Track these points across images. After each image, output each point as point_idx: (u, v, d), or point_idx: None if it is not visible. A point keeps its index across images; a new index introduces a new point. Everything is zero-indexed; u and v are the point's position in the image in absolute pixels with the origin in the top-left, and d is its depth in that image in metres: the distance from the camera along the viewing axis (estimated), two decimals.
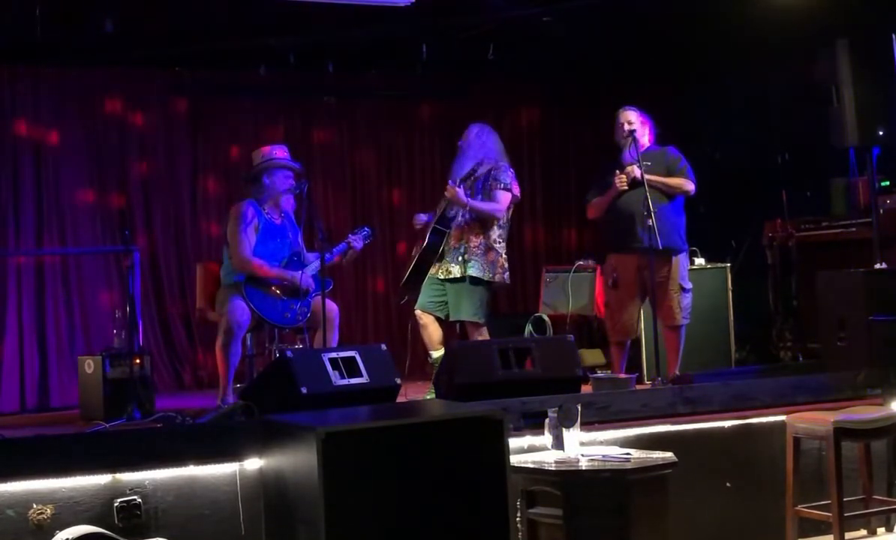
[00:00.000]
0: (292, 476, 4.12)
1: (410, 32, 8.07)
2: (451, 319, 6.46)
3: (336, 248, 6.47)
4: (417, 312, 6.51)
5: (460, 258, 6.39)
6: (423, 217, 6.61)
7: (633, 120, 6.55)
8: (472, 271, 6.36)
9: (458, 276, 6.38)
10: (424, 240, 6.43)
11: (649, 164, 6.47)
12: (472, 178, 6.45)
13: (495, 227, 6.46)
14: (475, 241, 6.41)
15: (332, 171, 9.11)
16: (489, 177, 6.48)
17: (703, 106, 9.45)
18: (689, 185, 6.55)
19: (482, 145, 6.55)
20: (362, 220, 8.51)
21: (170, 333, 8.44)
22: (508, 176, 6.50)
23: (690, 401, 5.49)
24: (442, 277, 6.42)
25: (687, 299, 6.58)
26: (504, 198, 6.46)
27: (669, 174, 6.54)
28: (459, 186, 6.33)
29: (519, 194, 6.60)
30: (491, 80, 9.37)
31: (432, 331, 6.48)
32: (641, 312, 6.83)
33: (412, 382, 6.41)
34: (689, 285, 6.61)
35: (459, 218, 6.44)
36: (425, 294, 6.49)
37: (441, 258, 6.43)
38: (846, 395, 5.79)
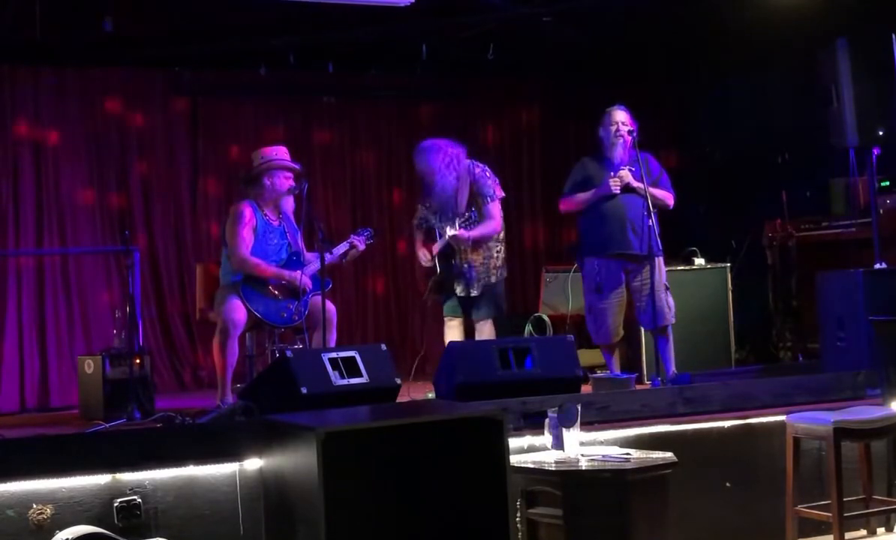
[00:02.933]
0: (292, 476, 4.12)
1: (410, 32, 8.07)
2: (475, 319, 6.52)
3: (336, 248, 6.47)
4: (446, 317, 6.60)
5: (472, 282, 6.42)
6: (426, 251, 6.59)
7: (625, 121, 6.50)
8: (481, 289, 6.44)
9: (473, 294, 6.44)
10: (436, 270, 6.49)
11: (633, 169, 6.42)
12: (463, 214, 6.39)
13: (493, 239, 6.48)
14: (478, 260, 6.44)
15: (332, 171, 9.12)
16: (472, 194, 6.46)
17: (703, 106, 9.45)
18: (671, 200, 6.56)
19: (443, 173, 6.46)
20: (362, 221, 8.52)
21: (170, 333, 8.45)
22: (489, 184, 6.48)
23: (690, 401, 5.49)
24: (461, 293, 6.49)
25: (671, 298, 6.55)
26: (496, 209, 6.46)
27: (653, 185, 6.48)
28: (459, 229, 6.32)
29: (503, 193, 6.59)
30: (491, 80, 9.37)
31: (455, 335, 6.54)
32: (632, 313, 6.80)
33: (412, 382, 6.42)
34: (668, 285, 6.57)
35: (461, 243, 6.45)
36: (452, 299, 6.56)
37: (457, 279, 6.45)
38: (846, 395, 5.79)
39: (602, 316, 6.55)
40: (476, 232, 6.39)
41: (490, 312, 6.50)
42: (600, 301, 6.54)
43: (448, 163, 6.49)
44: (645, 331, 6.86)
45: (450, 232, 6.34)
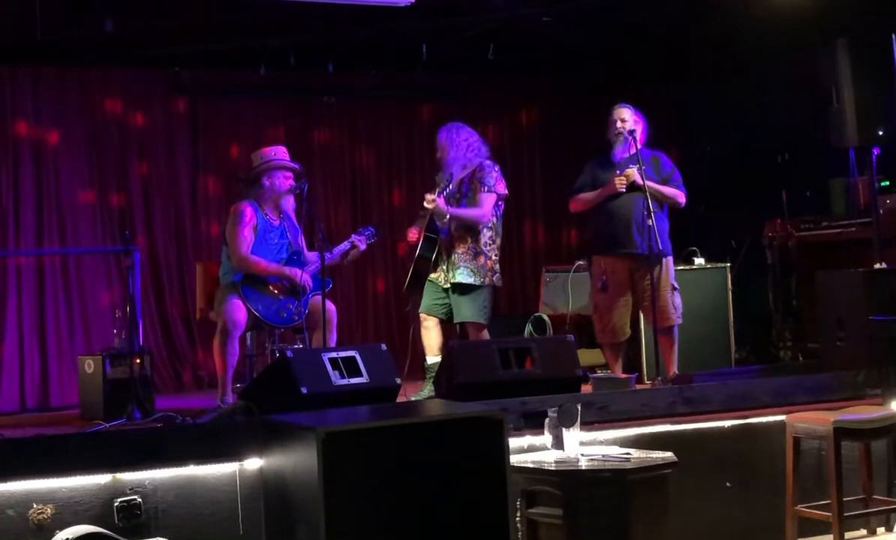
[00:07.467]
0: (292, 476, 4.12)
1: (410, 32, 8.07)
2: (455, 321, 6.47)
3: (337, 248, 6.47)
4: (422, 314, 6.52)
5: (451, 266, 6.37)
6: (415, 231, 6.57)
7: (626, 118, 6.48)
8: (460, 277, 6.34)
9: (450, 284, 6.38)
10: (417, 248, 6.42)
11: (643, 167, 6.41)
12: (456, 183, 6.37)
13: (484, 231, 6.40)
14: (462, 247, 6.37)
15: (332, 171, 9.12)
16: (472, 179, 6.42)
17: (703, 106, 9.45)
18: (682, 198, 6.52)
19: (458, 148, 6.46)
20: (362, 221, 8.51)
21: (170, 333, 8.45)
22: (492, 176, 6.41)
23: (690, 401, 5.49)
24: (442, 284, 6.44)
25: (679, 299, 6.54)
26: (488, 200, 6.36)
27: (663, 183, 6.49)
28: (439, 196, 6.29)
29: (506, 191, 6.52)
30: (491, 80, 9.36)
31: (434, 335, 6.48)
32: (639, 312, 6.79)
33: (412, 382, 6.42)
34: (677, 285, 6.56)
35: (446, 226, 6.40)
36: (429, 296, 6.49)
37: (436, 266, 6.41)
38: (846, 395, 5.79)
39: (607, 315, 6.54)
40: (459, 210, 6.35)
41: (473, 314, 6.36)
42: (606, 300, 6.53)
43: (468, 146, 6.47)
44: (648, 330, 6.84)
45: (429, 197, 6.30)
